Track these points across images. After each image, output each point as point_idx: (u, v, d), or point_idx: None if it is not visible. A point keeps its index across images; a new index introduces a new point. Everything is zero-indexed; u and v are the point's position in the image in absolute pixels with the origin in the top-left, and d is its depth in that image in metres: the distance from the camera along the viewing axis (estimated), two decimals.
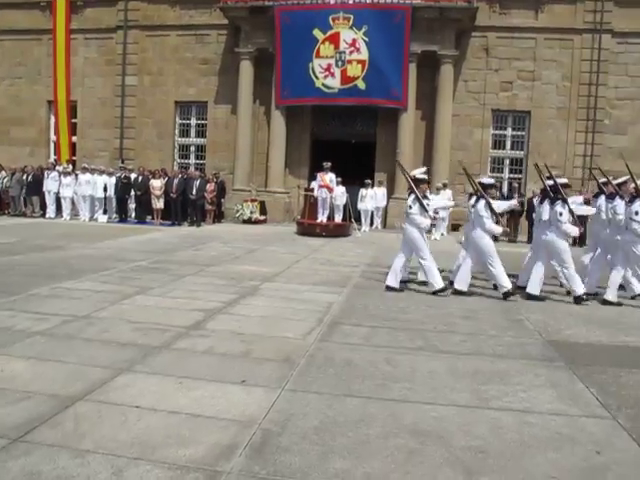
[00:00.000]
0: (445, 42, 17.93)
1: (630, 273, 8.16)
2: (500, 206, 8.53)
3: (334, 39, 17.87)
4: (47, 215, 17.85)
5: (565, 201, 7.91)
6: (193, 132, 20.98)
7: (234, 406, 3.79)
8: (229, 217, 18.65)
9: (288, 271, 9.49)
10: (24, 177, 18.30)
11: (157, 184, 17.18)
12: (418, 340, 5.60)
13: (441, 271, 8.38)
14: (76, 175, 17.93)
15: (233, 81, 19.37)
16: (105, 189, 17.53)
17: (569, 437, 3.55)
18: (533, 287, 7.97)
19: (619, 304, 7.82)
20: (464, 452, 3.28)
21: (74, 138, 21.35)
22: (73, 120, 21.24)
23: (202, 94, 20.29)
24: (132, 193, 17.62)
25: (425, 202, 8.20)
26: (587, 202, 9.53)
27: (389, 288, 8.15)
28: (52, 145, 21.87)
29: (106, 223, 17.07)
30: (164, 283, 7.89)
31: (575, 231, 8.07)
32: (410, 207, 8.17)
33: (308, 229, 15.65)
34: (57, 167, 18.66)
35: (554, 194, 8.14)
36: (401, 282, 8.39)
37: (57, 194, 17.81)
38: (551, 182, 8.27)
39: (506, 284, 7.93)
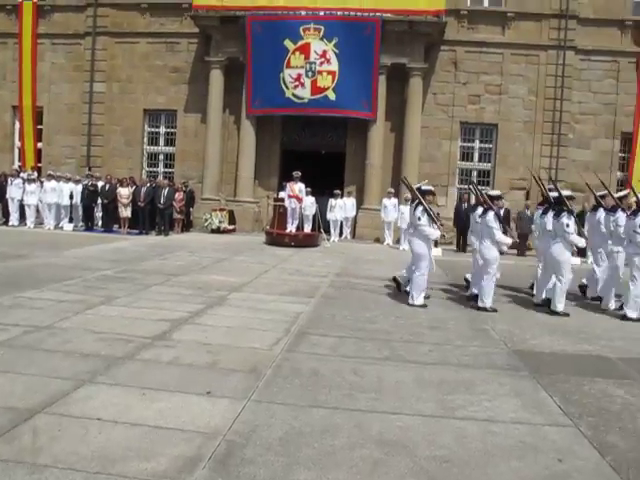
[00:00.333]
0: (414, 55, 18.15)
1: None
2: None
3: (305, 49, 17.94)
4: (10, 223, 17.39)
5: (571, 212, 7.99)
6: (162, 140, 20.76)
7: (198, 417, 3.74)
8: (197, 226, 18.49)
9: (256, 281, 9.44)
10: None
11: (125, 192, 16.98)
12: (385, 350, 5.62)
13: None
14: (41, 182, 17.58)
15: (203, 90, 19.28)
16: (71, 197, 17.24)
17: (532, 445, 3.59)
18: (558, 303, 7.96)
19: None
20: (429, 462, 3.29)
21: (39, 144, 20.94)
22: (39, 126, 20.81)
23: (172, 102, 20.12)
24: (99, 201, 17.38)
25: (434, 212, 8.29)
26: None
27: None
28: (17, 151, 21.41)
29: (72, 231, 16.76)
30: (130, 293, 7.77)
31: (582, 242, 8.15)
32: (419, 219, 8.14)
33: (277, 239, 15.60)
34: (21, 174, 18.24)
35: (557, 205, 8.18)
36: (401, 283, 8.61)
37: (21, 201, 17.40)
38: (556, 194, 8.36)
39: (488, 301, 7.93)
